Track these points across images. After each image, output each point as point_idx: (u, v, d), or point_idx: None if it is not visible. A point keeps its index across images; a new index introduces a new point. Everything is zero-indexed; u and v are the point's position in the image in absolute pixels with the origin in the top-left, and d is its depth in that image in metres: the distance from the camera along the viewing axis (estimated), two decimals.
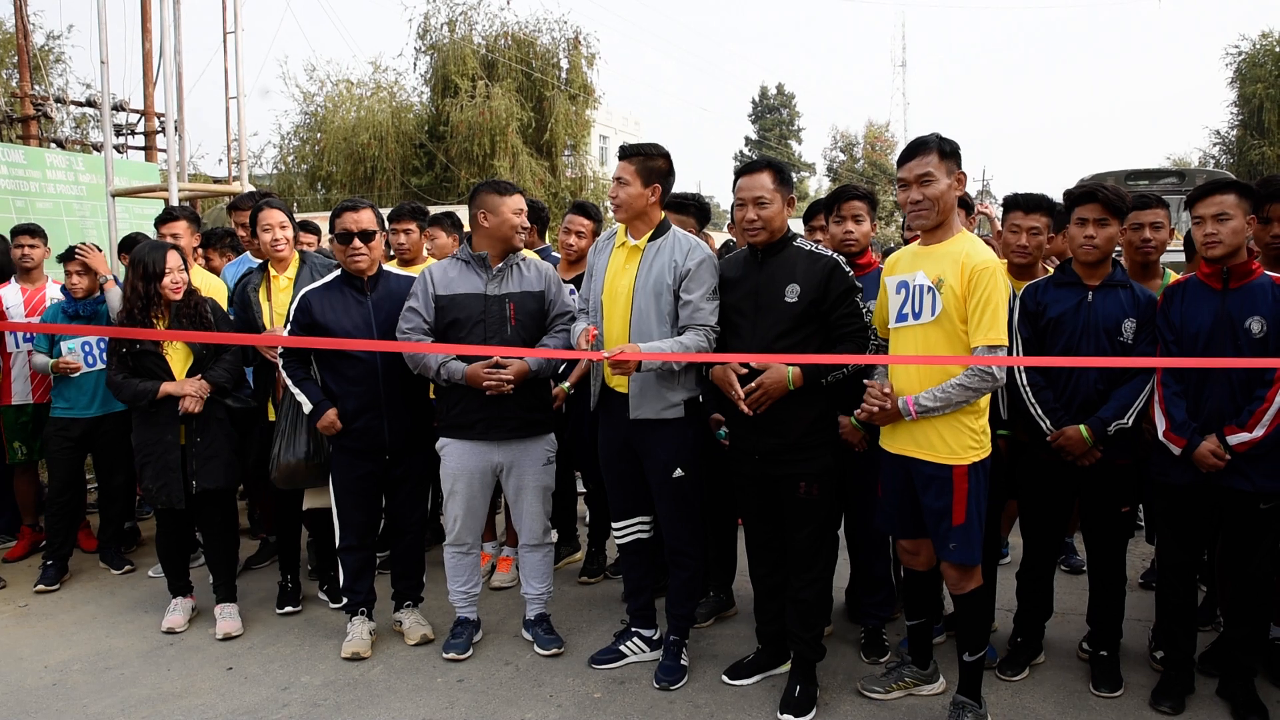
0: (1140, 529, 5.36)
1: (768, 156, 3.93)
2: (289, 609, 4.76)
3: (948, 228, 3.36)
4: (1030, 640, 4.05)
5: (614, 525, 4.13)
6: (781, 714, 3.58)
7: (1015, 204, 4.14)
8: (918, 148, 3.34)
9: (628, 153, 3.83)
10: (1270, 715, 3.51)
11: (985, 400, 3.33)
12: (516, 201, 4.08)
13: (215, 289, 5.21)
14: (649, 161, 3.79)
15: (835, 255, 3.65)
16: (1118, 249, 3.89)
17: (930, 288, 3.28)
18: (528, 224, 4.14)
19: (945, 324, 3.27)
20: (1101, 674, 3.82)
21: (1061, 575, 4.99)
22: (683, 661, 3.96)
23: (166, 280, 4.37)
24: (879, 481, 3.64)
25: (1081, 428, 3.61)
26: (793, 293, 3.54)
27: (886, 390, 3.39)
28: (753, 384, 3.49)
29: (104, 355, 5.19)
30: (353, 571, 4.35)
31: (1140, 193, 4.16)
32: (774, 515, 3.75)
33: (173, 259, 4.43)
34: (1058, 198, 4.09)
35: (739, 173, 3.73)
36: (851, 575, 4.51)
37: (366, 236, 4.14)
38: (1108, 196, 3.66)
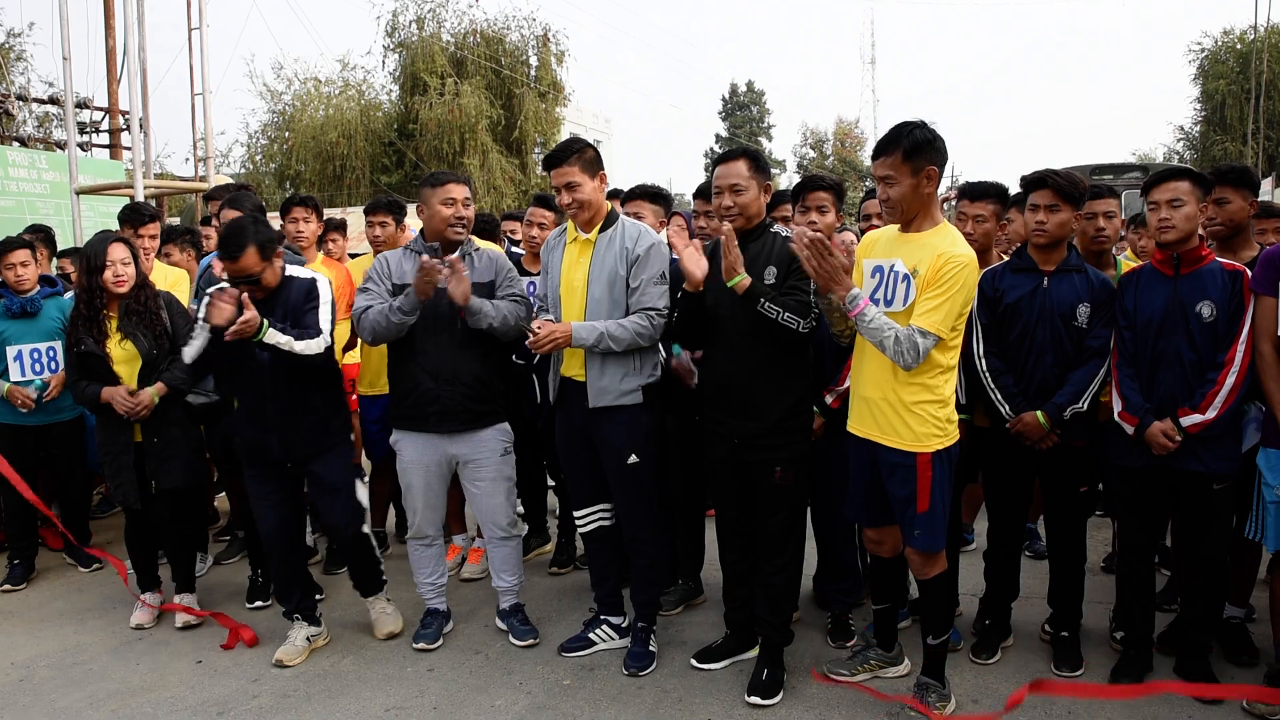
0: (1100, 515, 5.46)
1: (744, 145, 3.98)
2: (259, 603, 4.75)
3: (927, 218, 3.33)
4: (999, 622, 4.12)
5: (575, 514, 4.16)
6: (749, 697, 3.62)
7: (963, 192, 4.22)
8: (884, 146, 3.31)
9: (562, 157, 3.80)
10: None
11: (950, 388, 3.35)
12: (446, 191, 4.03)
13: (179, 281, 5.19)
14: (584, 156, 3.82)
15: None
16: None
17: (906, 275, 3.28)
18: (464, 213, 4.07)
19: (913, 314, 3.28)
20: (1062, 654, 3.90)
21: (1025, 560, 5.07)
22: (650, 648, 4.00)
23: (108, 273, 4.32)
24: (848, 471, 3.66)
25: (1038, 414, 3.68)
26: (770, 275, 3.60)
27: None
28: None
29: (51, 363, 5.13)
30: (278, 581, 4.24)
31: (1093, 184, 4.24)
32: (746, 501, 3.79)
33: (116, 251, 4.35)
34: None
35: (716, 161, 3.78)
36: (819, 562, 4.56)
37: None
38: (1059, 182, 3.73)
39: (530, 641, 4.19)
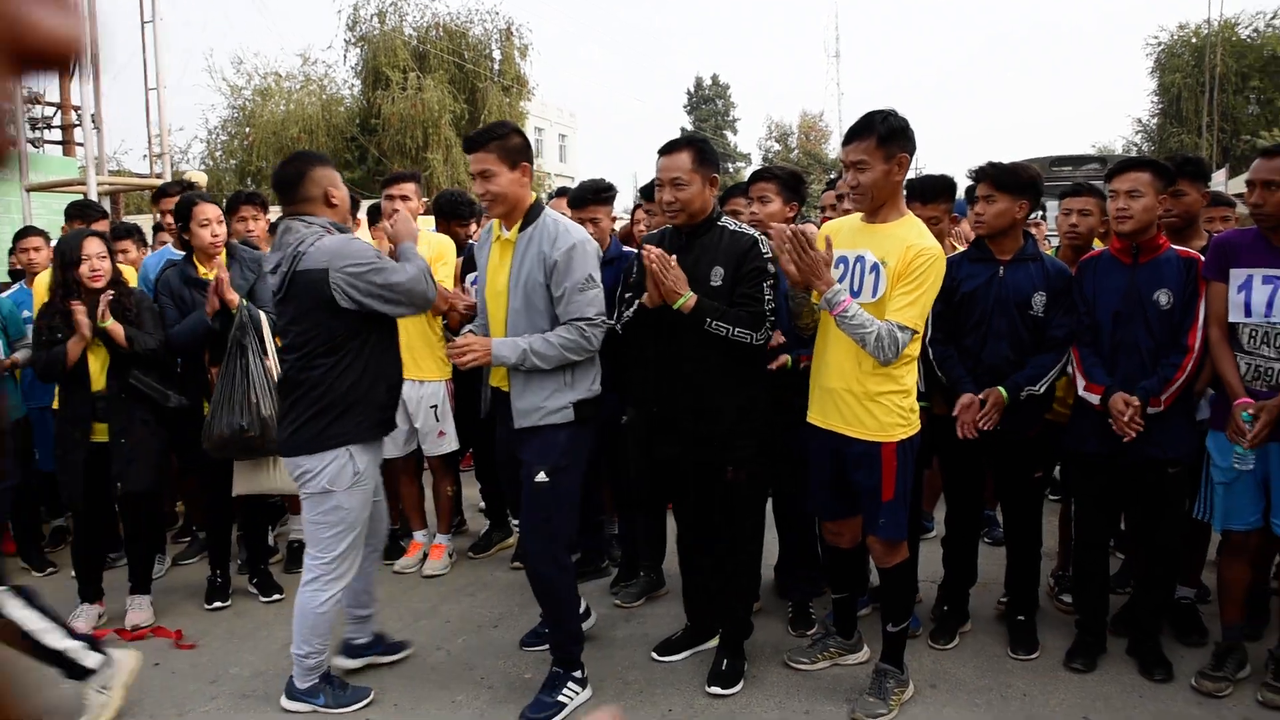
0: (1054, 499, 5.55)
1: (690, 134, 3.79)
2: (218, 604, 4.69)
3: (893, 209, 3.32)
4: (957, 608, 4.16)
5: (514, 522, 4.10)
6: (709, 687, 3.64)
7: (911, 193, 4.10)
8: (857, 131, 3.26)
9: (479, 142, 3.44)
10: (1174, 669, 3.67)
11: (913, 379, 3.37)
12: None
13: (126, 277, 5.14)
14: (505, 142, 3.43)
15: (756, 234, 3.60)
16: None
17: (876, 266, 3.25)
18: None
19: (883, 307, 3.24)
20: (1019, 638, 3.95)
21: (984, 547, 5.13)
22: (561, 697, 3.53)
23: (84, 267, 4.26)
24: (808, 464, 3.64)
25: (1000, 389, 3.68)
26: (717, 275, 3.48)
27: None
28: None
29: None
30: None
31: (1077, 182, 4.30)
32: (703, 501, 3.76)
33: (91, 245, 4.30)
34: None
35: (659, 153, 3.61)
36: (780, 552, 4.58)
37: None
38: (987, 172, 3.79)
39: None
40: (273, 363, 4.38)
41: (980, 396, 3.67)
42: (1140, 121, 33.86)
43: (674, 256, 3.43)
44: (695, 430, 3.59)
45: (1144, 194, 3.58)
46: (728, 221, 3.63)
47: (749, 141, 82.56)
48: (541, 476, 3.44)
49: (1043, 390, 3.71)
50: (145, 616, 4.47)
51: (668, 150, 3.58)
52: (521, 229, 3.50)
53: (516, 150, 3.46)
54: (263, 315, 4.42)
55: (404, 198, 4.85)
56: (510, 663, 3.97)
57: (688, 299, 3.38)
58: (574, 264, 3.38)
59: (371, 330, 3.51)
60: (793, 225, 3.23)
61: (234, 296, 4.37)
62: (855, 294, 3.29)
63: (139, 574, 4.58)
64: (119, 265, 4.59)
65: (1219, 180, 12.62)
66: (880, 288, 3.24)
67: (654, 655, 3.96)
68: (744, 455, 3.60)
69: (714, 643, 3.91)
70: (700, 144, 3.60)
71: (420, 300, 3.51)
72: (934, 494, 5.23)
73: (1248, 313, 3.47)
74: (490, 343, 3.39)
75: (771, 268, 3.52)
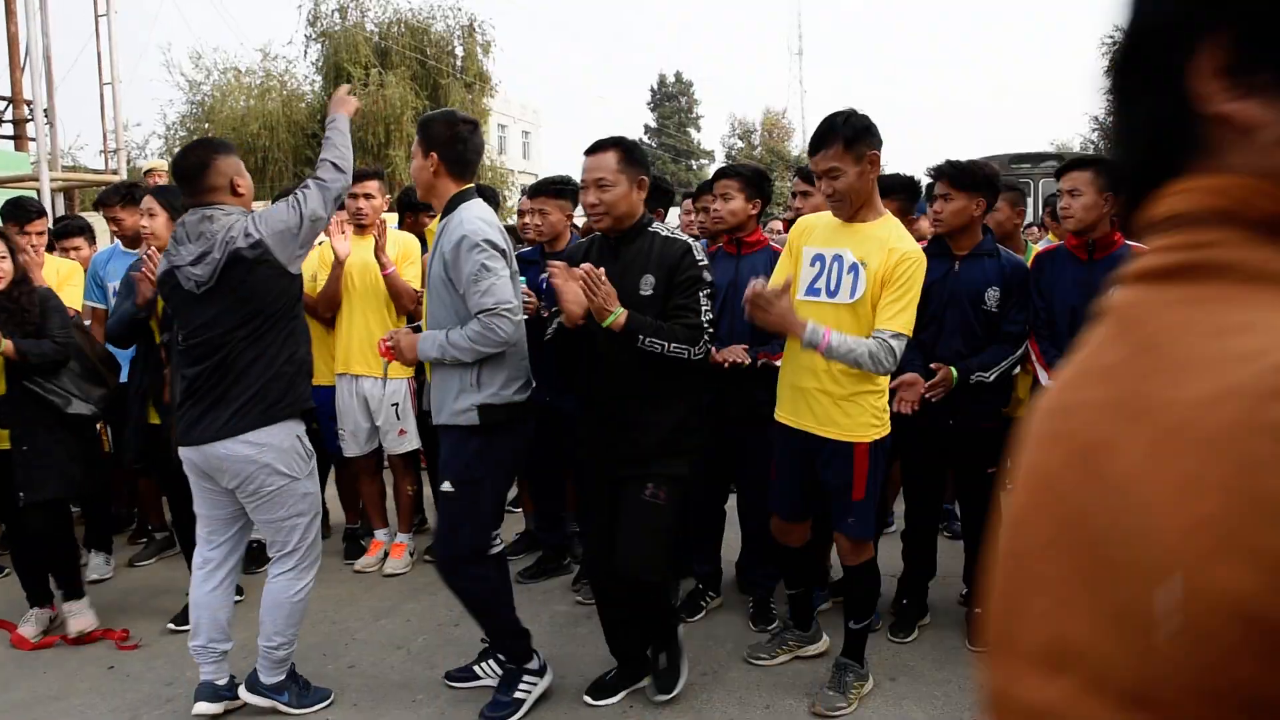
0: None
1: (618, 136, 3.55)
2: (187, 627, 4.56)
3: (871, 208, 3.27)
4: (916, 601, 4.21)
5: None
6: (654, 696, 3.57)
7: None
8: (822, 137, 3.18)
9: (418, 127, 3.48)
10: None
11: (885, 380, 3.34)
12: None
13: (72, 273, 5.08)
14: (428, 129, 3.38)
15: (689, 239, 3.37)
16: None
17: (855, 266, 3.19)
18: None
19: (860, 309, 3.20)
20: (977, 630, 4.00)
21: (943, 541, 5.19)
22: (518, 694, 3.50)
23: None
24: (773, 462, 3.60)
25: (951, 368, 3.74)
26: (647, 284, 3.26)
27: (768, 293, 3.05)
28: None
29: None
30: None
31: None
32: (615, 513, 3.39)
33: None
34: None
35: (585, 153, 3.39)
36: (742, 549, 4.60)
37: None
38: (945, 170, 3.83)
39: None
40: None
41: (933, 366, 3.74)
42: (1097, 119, 34.36)
43: (603, 270, 3.17)
44: (620, 448, 3.35)
45: (1084, 192, 3.65)
46: (659, 228, 3.41)
47: (712, 139, 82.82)
48: (446, 487, 3.37)
49: (993, 379, 3.76)
50: (87, 621, 4.31)
51: (593, 150, 3.37)
52: (440, 221, 3.42)
53: (431, 138, 3.37)
54: None
55: (367, 195, 4.82)
56: (471, 661, 3.95)
57: (617, 316, 3.13)
58: (461, 258, 3.22)
59: (296, 300, 3.51)
60: (752, 285, 3.04)
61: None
62: (832, 294, 3.24)
63: (66, 581, 4.37)
64: (22, 264, 4.27)
65: None
66: (859, 288, 3.18)
67: (586, 699, 3.60)
68: (669, 473, 3.32)
69: (646, 682, 3.64)
70: (627, 144, 3.39)
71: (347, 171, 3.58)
72: (894, 489, 5.28)
73: None
74: (415, 339, 3.35)
75: (708, 275, 3.34)
